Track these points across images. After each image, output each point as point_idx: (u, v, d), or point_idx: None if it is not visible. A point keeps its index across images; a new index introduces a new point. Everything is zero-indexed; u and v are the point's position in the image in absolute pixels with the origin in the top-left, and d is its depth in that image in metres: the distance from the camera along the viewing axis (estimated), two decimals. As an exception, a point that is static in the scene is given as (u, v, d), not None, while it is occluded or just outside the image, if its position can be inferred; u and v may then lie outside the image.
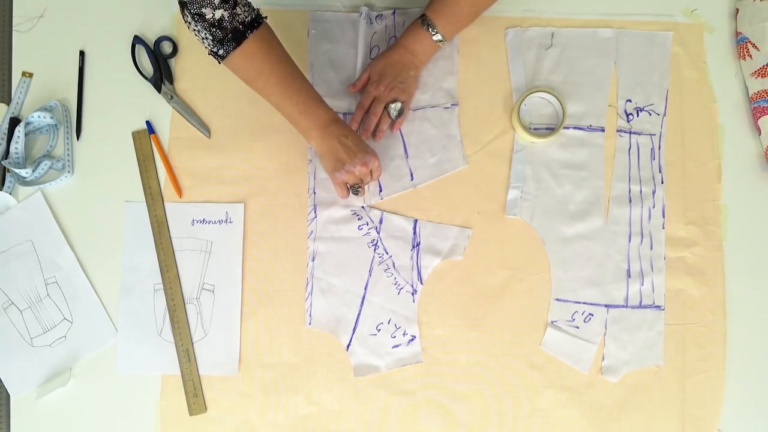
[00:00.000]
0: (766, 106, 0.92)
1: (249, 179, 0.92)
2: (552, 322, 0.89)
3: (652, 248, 0.91)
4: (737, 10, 0.96)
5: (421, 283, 0.90)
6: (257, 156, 0.93)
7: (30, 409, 0.87)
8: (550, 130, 0.93)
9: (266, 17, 0.77)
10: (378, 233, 0.91)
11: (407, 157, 0.93)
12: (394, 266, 0.90)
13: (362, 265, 0.90)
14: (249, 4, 0.75)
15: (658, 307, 0.90)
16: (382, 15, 0.96)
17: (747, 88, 0.95)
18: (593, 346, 0.89)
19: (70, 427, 0.87)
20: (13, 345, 0.88)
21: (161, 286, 0.89)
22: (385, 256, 0.90)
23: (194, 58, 0.94)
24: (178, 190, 0.91)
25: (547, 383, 0.88)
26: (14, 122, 0.91)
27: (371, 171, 0.84)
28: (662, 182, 0.92)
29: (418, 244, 0.91)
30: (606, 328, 0.89)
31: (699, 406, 0.88)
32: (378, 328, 0.89)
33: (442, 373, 0.88)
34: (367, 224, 0.91)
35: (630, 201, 0.92)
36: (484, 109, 0.94)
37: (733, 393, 0.88)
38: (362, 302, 0.90)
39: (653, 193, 0.92)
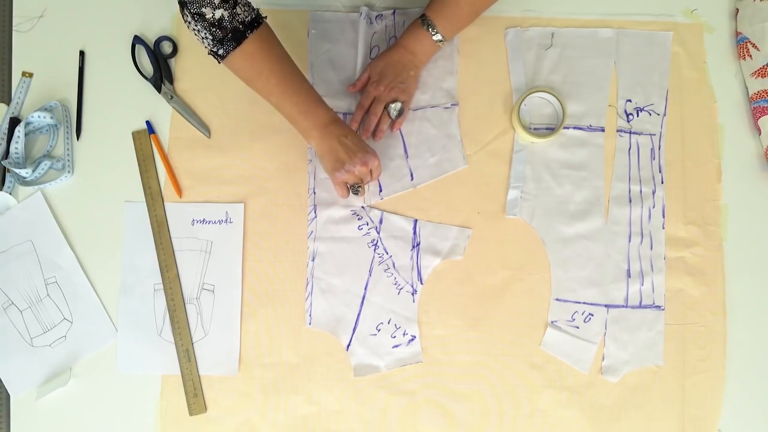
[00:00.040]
0: (766, 106, 0.92)
1: (249, 179, 0.92)
2: (552, 322, 0.89)
3: (652, 248, 0.91)
4: (737, 10, 0.96)
5: (421, 283, 0.90)
6: (257, 156, 0.93)
7: (30, 409, 0.87)
8: (550, 130, 0.93)
9: (266, 17, 0.77)
10: (378, 233, 0.91)
11: (407, 157, 0.93)
12: (394, 266, 0.90)
13: (362, 265, 0.90)
14: (249, 4, 0.75)
15: (658, 307, 0.90)
16: (382, 15, 0.96)
17: (747, 88, 0.95)
18: (593, 346, 0.89)
19: (70, 427, 0.87)
20: (13, 345, 0.88)
21: (161, 286, 0.89)
22: (385, 256, 0.90)
23: (194, 58, 0.94)
24: (178, 190, 0.91)
25: (547, 383, 0.88)
26: (14, 122, 0.91)
27: (371, 170, 0.84)
28: (662, 182, 0.92)
29: (418, 244, 0.91)
30: (606, 328, 0.89)
31: (699, 406, 0.88)
32: (378, 328, 0.89)
33: (442, 373, 0.88)
34: (367, 224, 0.91)
35: (630, 201, 0.92)
36: (484, 109, 0.94)
37: (733, 393, 0.88)
38: (362, 302, 0.90)
39: (653, 193, 0.92)
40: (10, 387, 0.88)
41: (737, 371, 0.89)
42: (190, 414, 0.87)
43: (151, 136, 0.93)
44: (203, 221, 0.91)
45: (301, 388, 0.88)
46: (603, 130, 0.93)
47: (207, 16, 0.72)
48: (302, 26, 0.96)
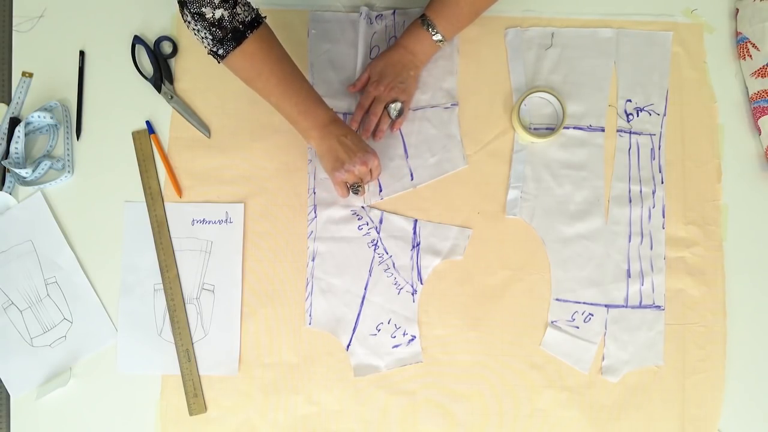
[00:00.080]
0: (766, 106, 0.92)
1: (249, 179, 0.92)
2: (552, 322, 0.89)
3: (652, 248, 0.91)
4: (737, 10, 0.96)
5: (421, 283, 0.90)
6: (257, 156, 0.93)
7: (30, 409, 0.87)
8: (550, 130, 0.93)
9: (265, 17, 0.77)
10: (378, 233, 0.91)
11: (407, 157, 0.93)
12: (394, 266, 0.90)
13: (362, 265, 0.90)
14: (248, 4, 0.75)
15: (658, 307, 0.90)
16: (382, 15, 0.96)
17: (747, 88, 0.95)
18: (593, 346, 0.89)
19: (70, 427, 0.87)
20: (13, 345, 0.88)
21: (161, 286, 0.89)
22: (385, 256, 0.90)
23: (194, 58, 0.94)
24: (178, 190, 0.91)
25: (547, 383, 0.88)
26: (14, 122, 0.91)
27: (371, 170, 0.84)
28: (662, 182, 0.92)
29: (418, 244, 0.91)
30: (606, 328, 0.89)
31: (699, 406, 0.88)
32: (378, 328, 0.89)
33: (442, 373, 0.88)
34: (367, 224, 0.91)
35: (630, 201, 0.92)
36: (484, 109, 0.94)
37: (733, 393, 0.88)
38: (362, 302, 0.90)
39: (653, 193, 0.92)
40: (10, 387, 0.88)
41: (737, 371, 0.89)
42: (190, 414, 0.87)
43: (151, 136, 0.93)
44: (203, 221, 0.91)
45: (301, 388, 0.88)
46: (603, 130, 0.93)
47: (207, 16, 0.72)
48: (302, 26, 0.96)
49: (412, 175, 0.92)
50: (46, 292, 0.89)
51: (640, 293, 0.90)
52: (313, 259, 0.90)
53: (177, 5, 0.73)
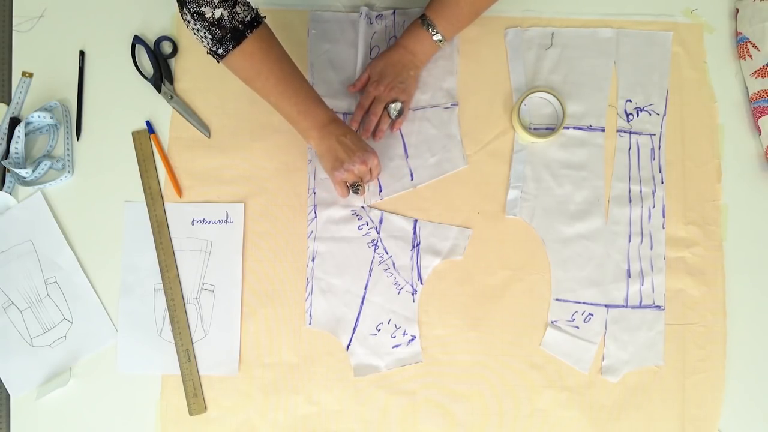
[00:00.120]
0: (766, 106, 0.92)
1: (249, 179, 0.92)
2: (552, 322, 0.89)
3: (652, 248, 0.91)
4: (737, 10, 0.96)
5: (421, 283, 0.90)
6: (257, 156, 0.93)
7: (30, 409, 0.87)
8: (550, 130, 0.93)
9: (265, 17, 0.77)
10: (378, 233, 0.91)
11: (407, 157, 0.93)
12: (394, 266, 0.90)
13: (362, 265, 0.90)
14: (248, 4, 0.75)
15: (658, 307, 0.90)
16: (382, 15, 0.96)
17: (747, 88, 0.95)
18: (593, 346, 0.89)
19: (70, 427, 0.87)
20: (13, 345, 0.88)
21: (161, 286, 0.89)
22: (385, 256, 0.90)
23: (194, 58, 0.94)
24: (178, 190, 0.91)
25: (547, 383, 0.88)
26: (14, 122, 0.91)
27: (370, 169, 0.84)
28: (662, 182, 0.92)
29: (418, 244, 0.91)
30: (606, 328, 0.89)
31: (699, 406, 0.88)
32: (378, 328, 0.89)
33: (442, 373, 0.88)
34: (367, 224, 0.91)
35: (630, 201, 0.92)
36: (484, 109, 0.94)
37: (733, 393, 0.88)
38: (362, 302, 0.90)
39: (653, 193, 0.92)
40: (10, 387, 0.88)
41: (737, 371, 0.89)
42: (190, 414, 0.87)
43: (151, 136, 0.93)
44: (203, 221, 0.91)
45: (301, 388, 0.88)
46: (603, 130, 0.93)
47: (206, 16, 0.72)
48: (302, 26, 0.96)
49: (412, 175, 0.92)
50: (46, 292, 0.89)
51: (640, 293, 0.90)
52: (313, 259, 0.90)
53: (176, 5, 0.73)
